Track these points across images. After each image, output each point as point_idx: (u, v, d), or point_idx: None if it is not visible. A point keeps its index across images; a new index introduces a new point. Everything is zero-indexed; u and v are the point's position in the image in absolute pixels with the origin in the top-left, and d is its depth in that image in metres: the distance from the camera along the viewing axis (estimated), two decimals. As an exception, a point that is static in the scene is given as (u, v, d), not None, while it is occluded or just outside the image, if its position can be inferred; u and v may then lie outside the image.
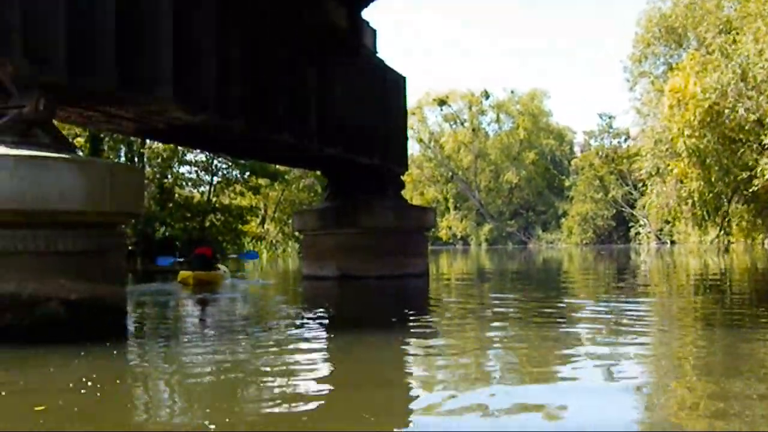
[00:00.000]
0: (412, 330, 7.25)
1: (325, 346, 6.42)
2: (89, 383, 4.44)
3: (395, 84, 16.19)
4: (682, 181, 33.34)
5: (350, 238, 15.00)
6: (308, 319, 8.43)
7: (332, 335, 7.11)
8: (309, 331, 7.44)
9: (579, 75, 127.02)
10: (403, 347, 6.23)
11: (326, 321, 8.26)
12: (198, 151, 39.43)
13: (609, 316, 8.05)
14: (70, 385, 4.43)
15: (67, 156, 6.28)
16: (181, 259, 15.65)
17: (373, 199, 15.48)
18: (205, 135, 10.71)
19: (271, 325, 7.99)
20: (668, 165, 33.51)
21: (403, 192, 16.68)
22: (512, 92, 75.37)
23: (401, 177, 16.43)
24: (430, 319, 8.22)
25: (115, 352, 5.79)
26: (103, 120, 8.97)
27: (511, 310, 8.87)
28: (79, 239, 6.18)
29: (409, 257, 15.50)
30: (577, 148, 77.83)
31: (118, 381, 4.87)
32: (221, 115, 9.55)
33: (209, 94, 9.21)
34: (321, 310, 9.33)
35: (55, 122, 7.50)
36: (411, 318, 8.22)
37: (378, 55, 15.43)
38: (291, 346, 6.24)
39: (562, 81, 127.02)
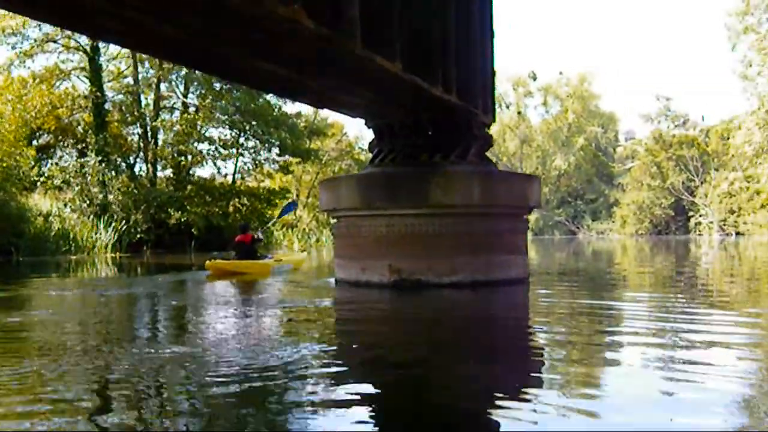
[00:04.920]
0: None
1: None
2: None
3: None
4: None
5: (413, 223, 9.23)
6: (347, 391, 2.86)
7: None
8: None
9: (630, 57, 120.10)
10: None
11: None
12: (219, 125, 34.54)
13: None
14: None
15: None
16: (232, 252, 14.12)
17: (448, 162, 9.66)
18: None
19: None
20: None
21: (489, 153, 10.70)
22: (561, 74, 71.93)
23: (488, 129, 10.55)
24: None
25: None
26: None
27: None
28: None
29: (502, 253, 9.66)
30: (622, 136, 74.88)
31: None
32: None
33: None
34: (364, 364, 3.72)
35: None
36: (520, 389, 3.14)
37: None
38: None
39: (612, 63, 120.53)
